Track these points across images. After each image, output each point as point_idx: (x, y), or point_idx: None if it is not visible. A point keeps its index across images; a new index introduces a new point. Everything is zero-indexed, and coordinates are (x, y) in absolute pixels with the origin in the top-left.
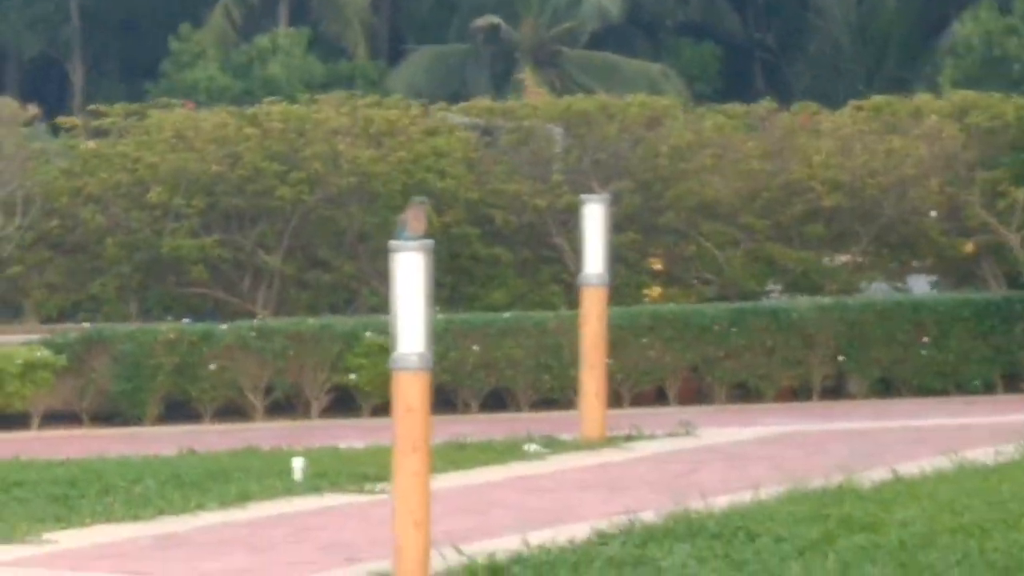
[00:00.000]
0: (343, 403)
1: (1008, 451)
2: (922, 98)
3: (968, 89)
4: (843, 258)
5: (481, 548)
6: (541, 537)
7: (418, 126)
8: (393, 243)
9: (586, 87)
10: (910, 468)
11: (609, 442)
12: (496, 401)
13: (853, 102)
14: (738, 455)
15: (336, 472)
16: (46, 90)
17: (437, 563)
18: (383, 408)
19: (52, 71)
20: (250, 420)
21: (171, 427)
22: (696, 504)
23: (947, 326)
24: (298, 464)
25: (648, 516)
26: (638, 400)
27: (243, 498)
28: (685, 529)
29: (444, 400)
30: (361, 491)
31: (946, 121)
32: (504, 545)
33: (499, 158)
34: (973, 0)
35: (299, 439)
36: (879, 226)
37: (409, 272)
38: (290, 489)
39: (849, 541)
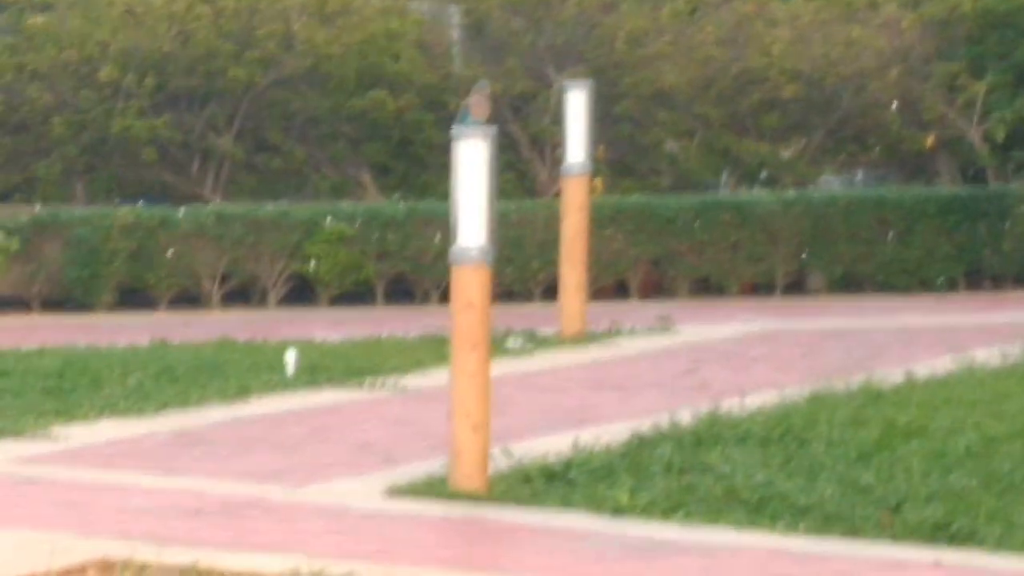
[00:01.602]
0: (299, 292)
1: (1014, 352)
2: None
3: None
4: (790, 150)
5: (521, 450)
6: (577, 439)
7: (373, 5)
8: (455, 129)
9: None
10: (920, 369)
11: (592, 338)
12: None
13: None
14: (733, 354)
15: (328, 367)
16: None
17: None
18: (342, 298)
19: None
20: (206, 308)
21: (126, 315)
22: (727, 406)
23: (911, 222)
24: (291, 357)
25: (683, 418)
26: (599, 294)
27: (243, 392)
28: (732, 434)
29: (403, 290)
30: (362, 386)
31: (903, 11)
32: (542, 447)
33: (453, 42)
34: None
35: (265, 330)
36: (836, 118)
37: (471, 161)
38: (287, 384)
39: (908, 447)
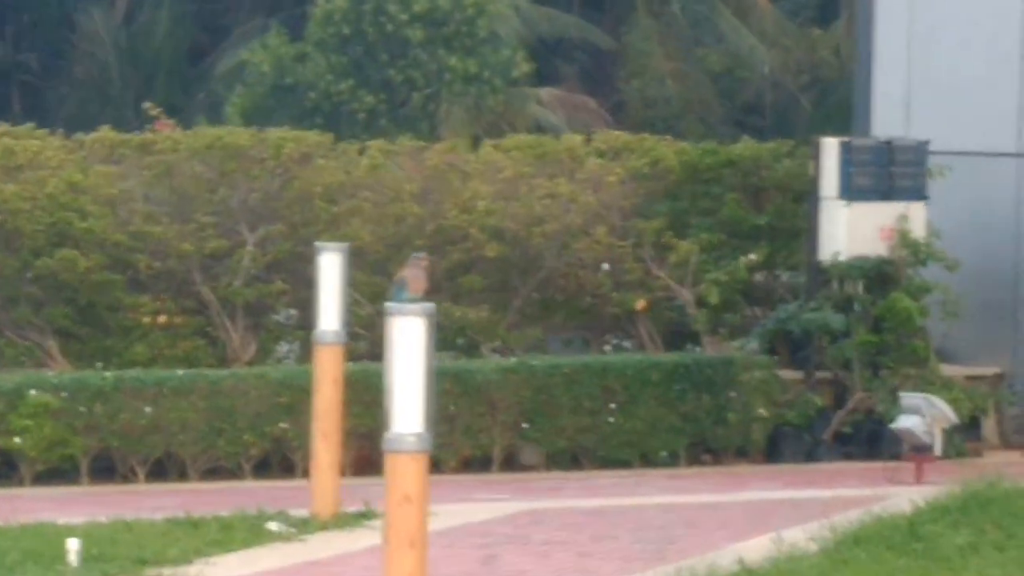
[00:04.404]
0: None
1: (821, 534)
2: (573, 139)
3: (257, 117)
4: (483, 313)
5: None
6: None
7: (60, 157)
8: (390, 305)
9: None
10: (748, 553)
11: (352, 520)
12: (159, 468)
13: (489, 141)
14: (516, 538)
15: (111, 555)
16: None
17: None
18: (47, 475)
19: None
20: None
21: None
22: None
23: (635, 391)
24: (74, 546)
25: None
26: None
27: None
28: None
29: (105, 467)
30: None
31: (609, 165)
32: None
33: (136, 195)
34: (245, 25)
35: None
36: (539, 279)
37: (409, 340)
38: None
39: None
